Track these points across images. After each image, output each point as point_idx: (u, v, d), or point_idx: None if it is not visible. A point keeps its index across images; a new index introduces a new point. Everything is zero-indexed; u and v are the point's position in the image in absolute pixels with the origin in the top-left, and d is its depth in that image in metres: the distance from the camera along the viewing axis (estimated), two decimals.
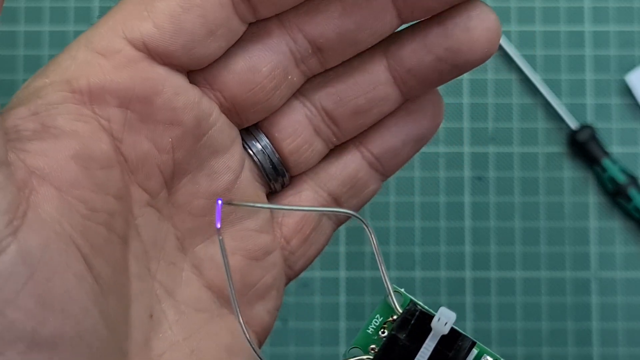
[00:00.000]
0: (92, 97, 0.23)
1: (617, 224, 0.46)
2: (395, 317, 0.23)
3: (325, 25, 0.24)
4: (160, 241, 0.24)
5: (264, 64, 0.24)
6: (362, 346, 0.23)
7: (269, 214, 0.26)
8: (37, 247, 0.20)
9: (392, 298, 0.23)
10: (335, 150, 0.26)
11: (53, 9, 0.47)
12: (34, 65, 0.47)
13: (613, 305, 0.45)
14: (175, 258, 0.25)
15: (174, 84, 0.23)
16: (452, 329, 0.22)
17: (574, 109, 0.46)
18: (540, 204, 0.46)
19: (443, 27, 0.24)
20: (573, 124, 0.46)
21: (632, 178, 0.45)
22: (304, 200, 0.26)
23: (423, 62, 0.24)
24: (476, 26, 0.24)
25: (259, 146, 0.25)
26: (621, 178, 0.45)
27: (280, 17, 0.24)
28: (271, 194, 0.26)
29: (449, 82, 0.45)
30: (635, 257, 0.46)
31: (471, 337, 0.22)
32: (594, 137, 0.45)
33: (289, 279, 0.27)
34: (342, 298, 0.46)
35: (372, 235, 0.24)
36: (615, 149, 0.46)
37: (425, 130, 0.26)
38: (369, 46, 0.24)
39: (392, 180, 0.46)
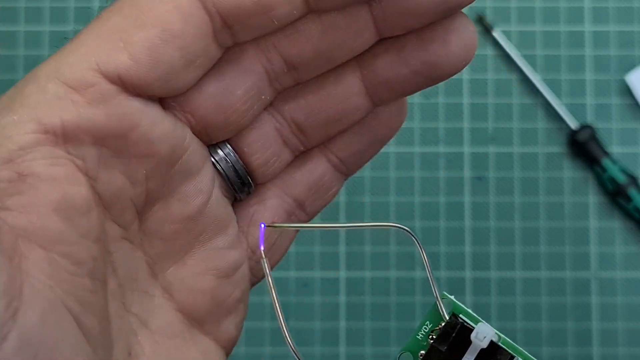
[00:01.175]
0: (67, 137, 0.21)
1: (617, 224, 0.46)
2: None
3: (303, 46, 0.23)
4: (133, 272, 0.23)
5: (237, 86, 0.23)
6: (413, 352, 0.23)
7: (237, 228, 0.25)
8: (36, 328, 0.19)
9: (440, 305, 0.23)
10: (300, 156, 0.26)
11: (53, 9, 0.47)
12: (34, 65, 0.46)
13: (613, 305, 0.45)
14: (147, 285, 0.24)
15: (150, 116, 0.22)
16: (491, 343, 0.22)
17: (574, 109, 0.46)
18: (540, 204, 0.46)
19: (420, 41, 0.23)
20: (573, 124, 0.46)
21: (632, 178, 0.45)
22: (269, 208, 0.25)
23: (398, 75, 0.24)
24: (454, 39, 0.23)
25: (226, 161, 0.25)
26: (621, 178, 0.45)
27: (257, 41, 0.23)
28: (235, 203, 0.26)
29: (449, 82, 0.45)
30: (635, 257, 0.46)
31: (510, 351, 0.22)
32: (594, 137, 0.45)
33: (252, 286, 0.26)
34: (342, 298, 0.46)
35: (423, 251, 0.23)
36: (615, 149, 0.46)
37: (391, 130, 0.26)
38: (344, 61, 0.24)
39: (392, 180, 0.46)
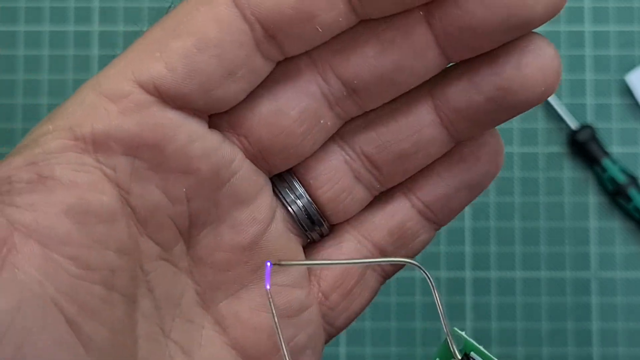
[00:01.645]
0: (96, 144, 0.21)
1: (617, 224, 0.46)
2: None
3: (359, 66, 0.22)
4: (175, 297, 0.22)
5: (292, 106, 0.22)
6: None
7: (304, 267, 0.24)
8: (6, 311, 0.19)
9: (451, 343, 0.22)
10: (380, 197, 0.24)
11: (53, 9, 0.47)
12: (34, 65, 0.47)
13: (613, 305, 0.45)
14: (194, 315, 0.23)
15: (189, 130, 0.21)
16: None
17: (574, 109, 0.46)
18: (540, 204, 0.46)
19: (493, 64, 0.21)
20: (573, 124, 0.46)
21: (632, 178, 0.45)
22: (346, 252, 0.24)
23: (472, 103, 0.22)
24: (530, 63, 0.21)
25: (293, 195, 0.23)
26: (621, 178, 0.45)
27: (311, 55, 0.22)
28: (309, 245, 0.24)
29: None
30: (635, 257, 0.46)
31: None
32: (594, 137, 0.45)
33: (329, 337, 0.25)
34: None
35: (432, 283, 0.22)
36: (615, 149, 0.46)
37: (481, 176, 0.24)
38: (411, 87, 0.22)
39: None
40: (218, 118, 0.22)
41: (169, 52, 0.21)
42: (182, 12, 0.21)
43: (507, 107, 0.22)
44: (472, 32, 0.21)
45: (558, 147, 0.46)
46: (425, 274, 0.22)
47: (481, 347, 0.22)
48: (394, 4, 0.20)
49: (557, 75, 0.22)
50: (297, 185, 0.23)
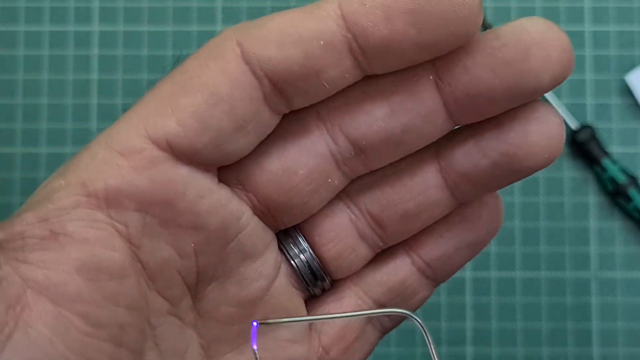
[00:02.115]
0: (109, 201, 0.21)
1: (617, 224, 0.46)
2: None
3: (368, 127, 0.22)
4: (181, 351, 0.23)
5: (300, 166, 0.22)
6: None
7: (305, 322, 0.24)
8: None
9: None
10: (382, 254, 0.24)
11: (53, 9, 0.47)
12: (34, 65, 0.47)
13: (613, 305, 0.45)
14: None
15: (198, 186, 0.21)
16: None
17: (574, 109, 0.46)
18: (540, 204, 0.46)
19: (500, 130, 0.22)
20: (573, 124, 0.46)
21: (632, 178, 0.45)
22: (346, 307, 0.24)
23: (477, 167, 0.22)
24: (535, 130, 0.22)
25: (297, 250, 0.24)
26: (621, 178, 0.45)
27: (320, 114, 0.22)
28: (310, 299, 0.25)
29: None
30: (635, 257, 0.46)
31: None
32: (594, 137, 0.45)
33: None
34: None
35: (428, 337, 0.22)
36: (615, 149, 0.46)
37: (482, 236, 0.24)
38: (418, 148, 0.22)
39: None
40: (227, 173, 0.22)
41: (180, 108, 0.21)
42: (191, 67, 0.21)
43: (511, 172, 0.22)
44: (480, 98, 0.21)
45: None
46: (422, 327, 0.22)
47: None
48: (398, 61, 0.21)
49: (561, 143, 0.22)
50: (301, 240, 0.24)
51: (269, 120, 0.22)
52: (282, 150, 0.22)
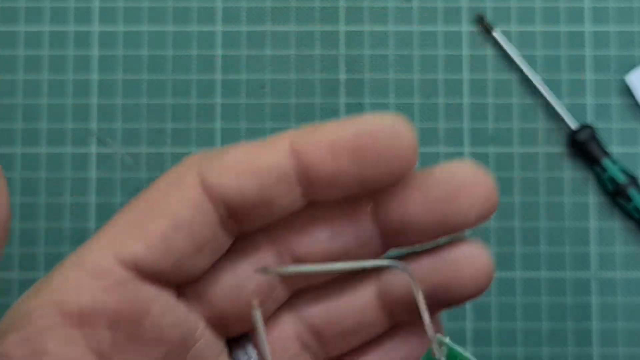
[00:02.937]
0: (82, 320, 0.23)
1: (617, 224, 0.46)
2: None
3: (311, 247, 0.24)
4: None
5: (250, 280, 0.24)
6: None
7: None
8: None
9: (435, 350, 0.24)
10: None
11: (53, 9, 0.47)
12: (34, 65, 0.47)
13: (613, 306, 0.45)
14: None
15: (162, 304, 0.24)
16: None
17: (574, 109, 0.46)
18: (540, 204, 0.46)
19: (432, 260, 0.24)
20: (573, 124, 0.46)
21: (632, 178, 0.45)
22: None
23: (411, 295, 0.24)
24: (464, 264, 0.24)
25: (246, 358, 0.25)
26: (621, 178, 0.45)
27: (269, 233, 0.24)
28: None
29: (449, 82, 0.45)
30: (635, 257, 0.46)
31: None
32: (594, 137, 0.45)
33: None
34: None
35: (417, 288, 0.24)
36: (615, 149, 0.46)
37: (415, 351, 0.26)
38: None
39: None
40: (185, 288, 0.25)
41: (146, 232, 0.23)
42: (157, 193, 0.24)
43: (443, 301, 0.24)
44: (412, 229, 0.24)
45: (558, 147, 0.46)
46: (410, 275, 0.24)
47: (467, 354, 0.23)
48: (342, 192, 0.23)
49: (489, 276, 0.24)
50: (250, 349, 0.25)
51: (224, 242, 0.24)
52: (235, 267, 0.25)
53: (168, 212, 0.23)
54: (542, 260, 0.46)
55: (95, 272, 0.23)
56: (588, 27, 0.47)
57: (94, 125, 0.46)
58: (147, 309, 0.23)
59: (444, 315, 0.45)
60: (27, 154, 0.46)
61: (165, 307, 0.24)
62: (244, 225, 0.24)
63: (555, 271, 0.46)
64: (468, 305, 0.45)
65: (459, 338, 0.44)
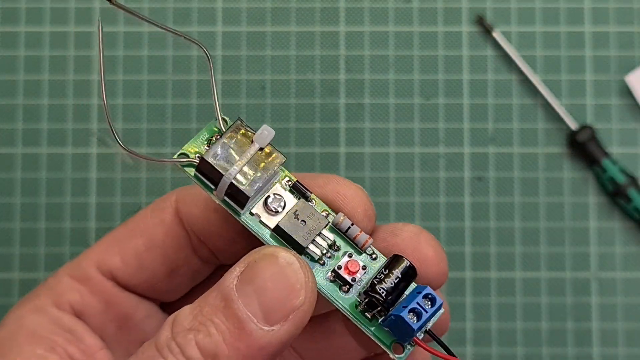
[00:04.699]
0: (75, 311, 0.27)
1: (617, 224, 0.46)
2: (217, 135, 0.26)
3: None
4: None
5: None
6: (189, 153, 0.26)
7: None
8: None
9: (221, 124, 0.26)
10: None
11: (54, 10, 0.47)
12: (34, 65, 0.47)
13: (613, 306, 0.45)
14: None
15: (146, 310, 0.27)
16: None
17: (573, 110, 0.46)
18: (540, 204, 0.46)
19: None
20: (573, 125, 0.46)
21: (632, 178, 0.45)
22: None
23: None
24: None
25: None
26: (621, 178, 0.45)
27: None
28: None
29: (449, 83, 0.45)
30: (635, 257, 0.46)
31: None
32: (593, 137, 0.45)
33: None
34: None
35: (211, 64, 0.26)
36: (615, 149, 0.46)
37: None
38: None
39: (392, 180, 0.46)
40: (168, 306, 0.28)
41: (124, 249, 0.27)
42: (140, 216, 0.27)
43: None
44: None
45: (558, 148, 0.46)
46: (207, 54, 0.27)
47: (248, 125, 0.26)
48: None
49: None
50: None
51: (201, 268, 0.27)
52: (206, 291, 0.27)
53: (145, 233, 0.26)
54: (542, 260, 0.46)
55: (81, 278, 0.27)
56: (588, 28, 0.47)
57: (94, 125, 0.46)
58: (131, 312, 0.26)
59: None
60: (27, 154, 0.46)
61: (149, 313, 0.27)
62: (217, 256, 0.26)
63: (555, 271, 0.46)
64: (468, 305, 0.45)
65: (459, 338, 0.44)
